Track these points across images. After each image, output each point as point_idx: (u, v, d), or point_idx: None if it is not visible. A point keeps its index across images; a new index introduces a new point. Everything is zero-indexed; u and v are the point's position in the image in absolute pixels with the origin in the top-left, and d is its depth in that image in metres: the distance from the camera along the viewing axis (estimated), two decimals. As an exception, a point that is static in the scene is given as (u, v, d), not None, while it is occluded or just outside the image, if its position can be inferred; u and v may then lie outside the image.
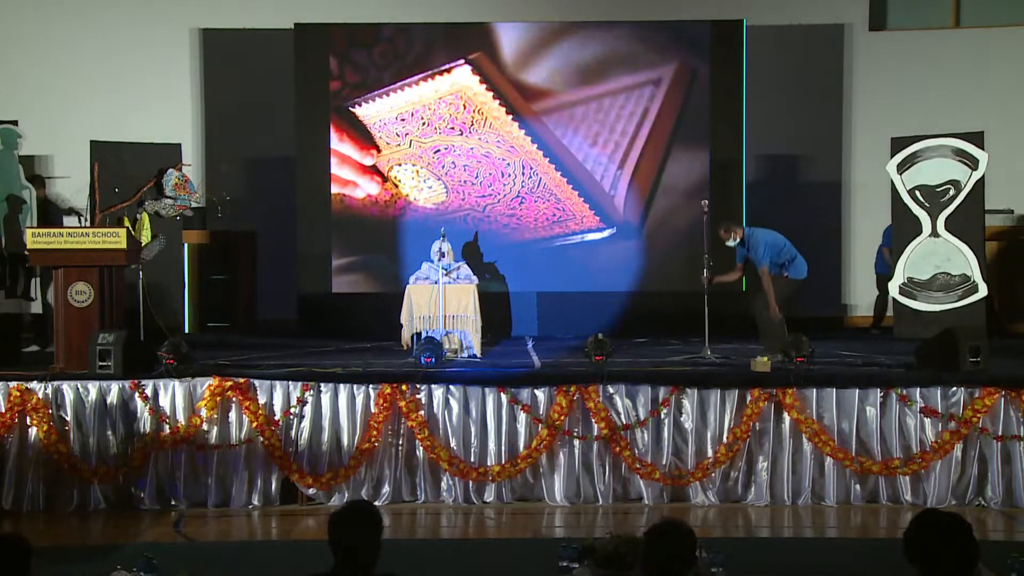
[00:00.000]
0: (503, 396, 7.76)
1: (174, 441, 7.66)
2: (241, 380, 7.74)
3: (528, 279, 11.88)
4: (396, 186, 11.99)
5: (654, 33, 12.09)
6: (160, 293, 10.68)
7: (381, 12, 12.51)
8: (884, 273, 11.76)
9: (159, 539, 7.01)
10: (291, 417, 7.74)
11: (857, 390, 7.71)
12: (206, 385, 7.71)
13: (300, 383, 7.78)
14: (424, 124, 11.96)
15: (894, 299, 11.25)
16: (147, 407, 7.68)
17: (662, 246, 12.01)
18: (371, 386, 7.76)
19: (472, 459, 7.76)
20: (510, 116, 11.92)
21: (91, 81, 13.01)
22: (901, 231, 11.20)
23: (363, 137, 12.00)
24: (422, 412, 7.73)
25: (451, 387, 7.81)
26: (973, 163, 10.85)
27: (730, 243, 9.30)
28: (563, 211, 11.97)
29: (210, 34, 13.23)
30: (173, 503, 7.73)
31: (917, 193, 11.10)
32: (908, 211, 11.12)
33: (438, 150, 11.99)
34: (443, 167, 11.98)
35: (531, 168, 11.96)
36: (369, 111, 11.98)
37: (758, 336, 9.42)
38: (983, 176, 10.81)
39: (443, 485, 7.81)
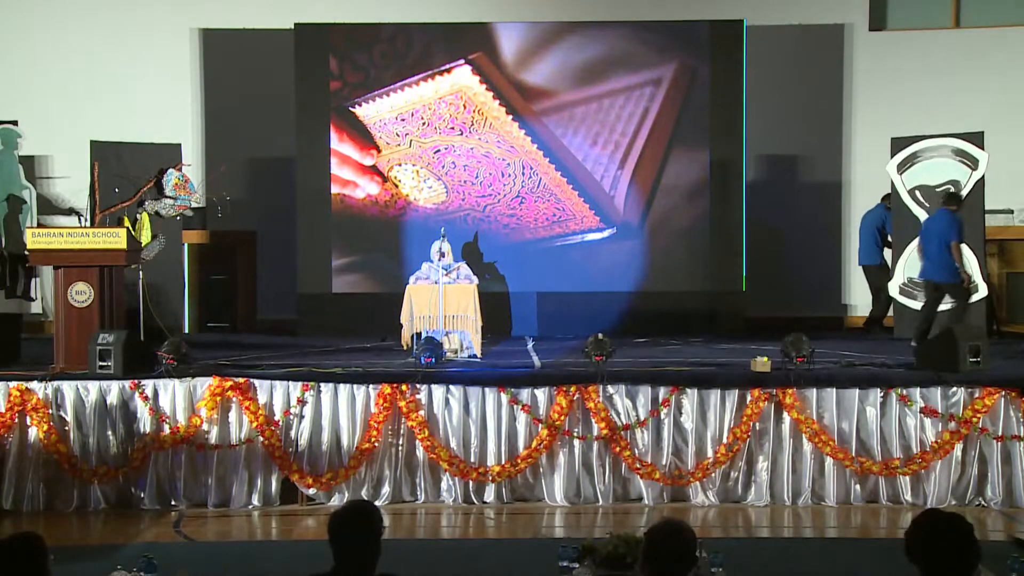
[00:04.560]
0: (503, 396, 7.75)
1: (174, 441, 7.65)
2: (241, 380, 7.74)
3: (528, 279, 11.87)
4: (396, 186, 11.99)
5: (654, 33, 12.09)
6: (160, 293, 10.68)
7: (381, 12, 12.51)
8: (874, 264, 11.78)
9: (159, 539, 7.00)
10: (291, 417, 7.74)
11: (857, 390, 7.70)
12: (206, 385, 7.70)
13: (300, 383, 7.77)
14: (424, 124, 11.96)
15: (894, 299, 11.24)
16: (147, 407, 7.68)
17: (662, 246, 12.00)
18: (371, 386, 7.75)
19: (472, 459, 7.75)
20: (510, 116, 11.92)
21: (91, 81, 13.01)
22: (901, 231, 11.19)
23: (363, 137, 12.00)
24: (422, 412, 7.72)
25: (451, 387, 7.80)
26: (973, 163, 10.85)
27: None
28: (563, 211, 11.97)
29: (210, 34, 13.23)
30: (173, 503, 7.72)
31: (917, 193, 11.10)
32: (908, 211, 11.12)
33: (438, 150, 11.99)
34: (443, 167, 11.98)
35: (531, 168, 11.95)
36: (369, 111, 11.98)
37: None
38: (983, 176, 10.81)
39: (443, 485, 7.80)
